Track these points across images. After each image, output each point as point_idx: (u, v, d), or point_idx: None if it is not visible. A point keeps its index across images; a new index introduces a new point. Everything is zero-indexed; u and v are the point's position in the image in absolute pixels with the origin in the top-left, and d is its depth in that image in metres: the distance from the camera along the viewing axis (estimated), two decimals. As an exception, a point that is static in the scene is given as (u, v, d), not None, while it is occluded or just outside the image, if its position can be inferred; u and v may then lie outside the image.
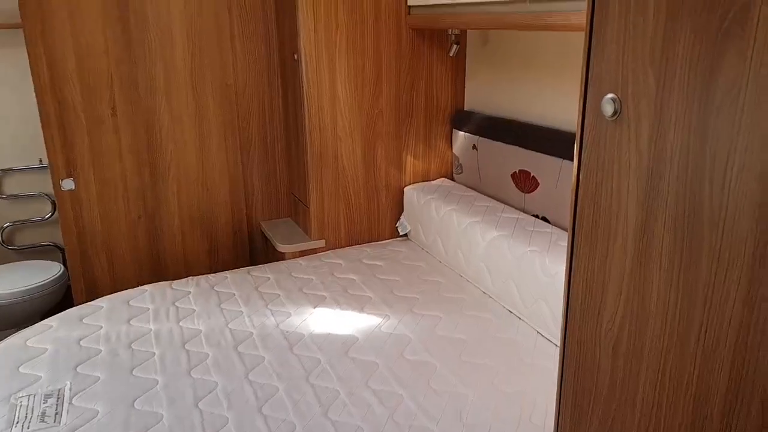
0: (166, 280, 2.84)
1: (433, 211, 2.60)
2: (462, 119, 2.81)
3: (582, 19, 1.65)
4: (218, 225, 2.97)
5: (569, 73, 2.20)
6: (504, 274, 2.13)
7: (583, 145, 1.03)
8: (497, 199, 2.60)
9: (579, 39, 2.14)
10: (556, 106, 2.28)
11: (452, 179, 2.96)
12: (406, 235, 2.89)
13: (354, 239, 2.81)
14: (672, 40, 0.83)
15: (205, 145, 2.84)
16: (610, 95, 0.95)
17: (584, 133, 1.02)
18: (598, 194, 1.01)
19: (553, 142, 2.23)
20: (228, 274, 2.49)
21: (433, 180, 2.94)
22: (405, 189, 2.86)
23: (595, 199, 1.02)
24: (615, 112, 0.95)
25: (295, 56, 2.56)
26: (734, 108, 0.76)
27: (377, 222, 2.86)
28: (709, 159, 0.80)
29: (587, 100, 1.01)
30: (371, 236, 2.85)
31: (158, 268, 2.88)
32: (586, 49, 0.99)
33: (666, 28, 0.84)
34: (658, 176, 0.89)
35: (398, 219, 2.90)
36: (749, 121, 0.74)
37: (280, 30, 2.79)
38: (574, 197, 1.06)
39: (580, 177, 1.05)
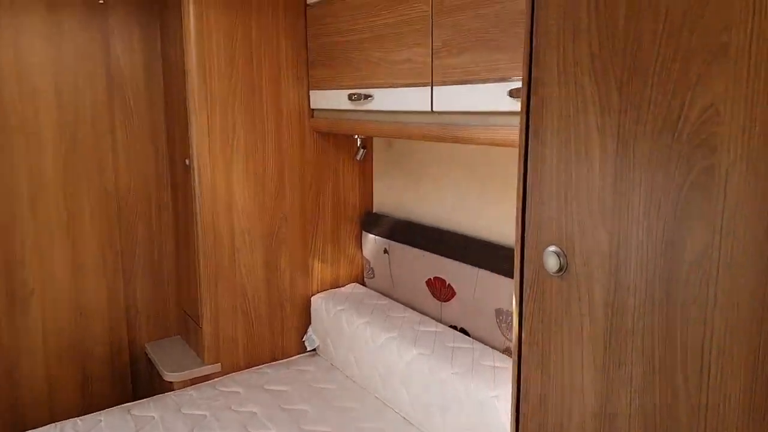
0: (23, 431, 2.35)
1: (344, 323, 2.38)
2: (372, 222, 2.67)
3: (496, 134, 1.58)
4: (93, 352, 2.56)
5: (483, 178, 2.14)
6: (425, 400, 1.93)
7: (524, 302, 0.87)
8: (412, 308, 2.44)
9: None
10: (471, 212, 2.19)
11: (364, 284, 2.77)
12: (314, 350, 2.63)
13: (255, 359, 2.51)
14: (626, 193, 0.71)
15: (79, 260, 2.48)
16: (552, 247, 0.81)
17: (524, 287, 0.87)
18: (546, 362, 0.85)
19: (468, 250, 2.12)
20: (103, 415, 2.10)
21: (344, 286, 2.74)
22: (312, 298, 2.63)
23: (543, 366, 0.86)
24: (560, 268, 0.80)
25: (187, 161, 2.33)
26: (703, 279, 0.63)
27: (282, 337, 2.59)
28: (681, 345, 0.66)
29: (525, 249, 0.87)
30: (275, 353, 2.57)
31: (13, 417, 2.40)
32: (521, 193, 0.85)
33: (618, 178, 0.72)
34: (618, 349, 0.74)
35: (305, 332, 2.65)
36: (723, 299, 0.61)
37: (170, 132, 2.56)
38: (516, 368, 0.90)
39: (523, 337, 0.89)
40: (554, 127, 0.78)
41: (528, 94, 0.81)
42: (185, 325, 2.66)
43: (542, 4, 0.78)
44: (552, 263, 0.80)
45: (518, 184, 0.85)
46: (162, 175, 2.63)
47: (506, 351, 1.99)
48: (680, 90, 0.64)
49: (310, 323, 2.65)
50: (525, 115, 0.82)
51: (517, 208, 0.86)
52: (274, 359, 2.56)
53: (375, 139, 2.69)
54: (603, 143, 0.72)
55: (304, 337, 2.64)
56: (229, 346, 2.43)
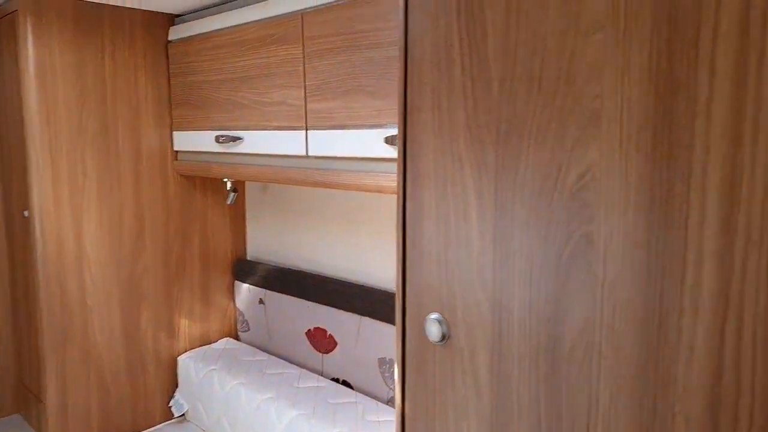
0: None
1: (216, 385, 2.19)
2: (245, 270, 2.52)
3: (372, 180, 1.54)
4: None
5: (363, 222, 2.09)
6: (307, 464, 1.80)
7: (406, 374, 0.81)
8: (292, 362, 2.30)
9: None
10: (351, 257, 2.13)
11: (238, 339, 2.60)
12: (183, 415, 2.40)
13: (113, 431, 2.23)
14: (506, 259, 0.67)
15: None
16: (434, 315, 0.76)
17: (406, 358, 0.81)
18: (430, 438, 0.79)
19: (349, 297, 2.05)
20: None
21: (216, 342, 2.54)
22: (179, 358, 2.41)
23: (428, 444, 0.80)
24: (443, 337, 0.75)
25: (25, 213, 2.05)
26: (587, 349, 0.60)
27: (144, 403, 2.33)
28: (567, 418, 0.63)
29: (406, 316, 0.81)
30: (137, 423, 2.30)
31: None
32: (401, 257, 0.80)
33: (497, 244, 0.68)
34: (505, 422, 0.70)
35: (172, 396, 2.41)
36: (607, 370, 0.59)
37: (6, 180, 2.26)
38: (403, 447, 0.83)
39: (406, 412, 0.82)
40: (432, 189, 0.74)
41: (404, 155, 0.77)
42: (25, 401, 2.31)
43: (416, 59, 0.75)
44: (434, 332, 0.75)
45: (397, 249, 0.79)
46: (-3, 227, 2.30)
47: (390, 402, 1.92)
48: (556, 154, 0.62)
49: (177, 386, 2.41)
50: (402, 177, 0.77)
51: (396, 274, 0.80)
52: (136, 429, 2.29)
53: (248, 183, 2.56)
54: (481, 207, 0.69)
55: (171, 401, 2.40)
56: (79, 421, 2.13)
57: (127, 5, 2.08)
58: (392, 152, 1.47)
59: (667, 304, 0.54)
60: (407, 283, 0.79)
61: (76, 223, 2.06)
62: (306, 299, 2.22)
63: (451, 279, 0.73)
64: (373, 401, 1.93)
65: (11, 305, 2.36)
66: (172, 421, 2.38)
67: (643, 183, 0.56)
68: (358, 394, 1.99)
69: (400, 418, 0.83)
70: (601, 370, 0.60)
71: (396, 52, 1.42)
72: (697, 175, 0.52)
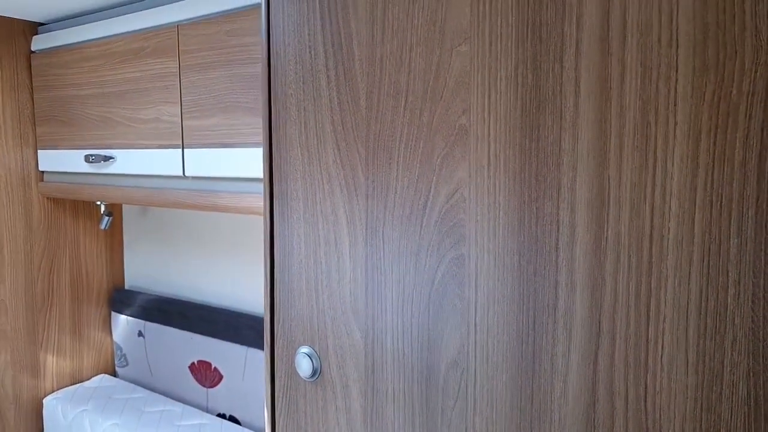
0: None
1: (88, 428, 1.98)
2: (123, 300, 2.32)
3: (257, 203, 1.45)
4: None
5: (249, 248, 1.98)
6: None
7: (276, 412, 0.74)
8: (174, 398, 2.13)
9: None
10: (236, 284, 2.01)
11: (115, 375, 2.37)
12: (50, 463, 2.14)
13: (-37, 491, 1.94)
14: (378, 286, 0.62)
15: None
16: (305, 348, 0.69)
17: (275, 395, 0.74)
18: (305, 486, 0.72)
19: (235, 327, 1.93)
20: None
21: (89, 380, 2.31)
22: (45, 400, 2.16)
23: (302, 492, 0.72)
24: (314, 372, 0.68)
25: None
26: (462, 380, 0.56)
27: (3, 454, 2.06)
28: (449, 453, 0.59)
29: (275, 351, 0.74)
30: (-6, 477, 2.03)
31: None
32: (269, 287, 0.73)
33: (369, 270, 0.63)
34: (382, 464, 0.64)
35: (37, 443, 2.15)
36: (482, 401, 0.55)
37: None
38: (272, 498, 0.75)
39: (278, 457, 0.74)
40: (301, 212, 0.68)
41: (270, 175, 0.70)
42: None
43: (280, 69, 0.69)
44: (305, 367, 0.68)
45: (265, 278, 0.72)
46: None
47: (280, 436, 1.82)
48: (425, 173, 0.58)
49: (42, 431, 2.16)
50: (269, 199, 0.70)
51: (264, 305, 0.73)
52: (-9, 486, 2.02)
53: (125, 206, 2.37)
54: (352, 231, 0.64)
55: (36, 449, 2.14)
56: None
57: (-21, 9, 1.87)
58: (276, 172, 1.39)
59: (540, 330, 0.51)
60: (275, 314, 0.72)
61: None
62: (189, 330, 2.07)
63: (322, 309, 0.67)
64: (263, 436, 1.81)
65: None
66: (35, 473, 2.13)
67: (511, 202, 0.53)
68: (245, 430, 1.86)
69: (273, 463, 0.75)
70: (476, 402, 0.56)
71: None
72: (566, 194, 0.50)
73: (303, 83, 0.67)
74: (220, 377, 1.99)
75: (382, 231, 0.62)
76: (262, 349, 1.85)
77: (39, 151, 2.08)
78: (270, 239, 0.72)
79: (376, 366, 0.63)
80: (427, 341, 0.59)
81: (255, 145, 1.44)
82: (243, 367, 1.92)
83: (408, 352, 0.60)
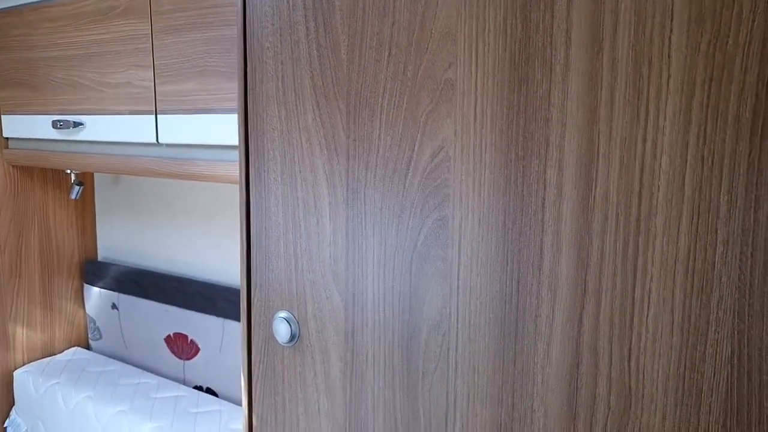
0: None
1: (60, 400, 1.94)
2: (95, 272, 2.27)
3: (233, 171, 1.41)
4: None
5: (226, 218, 1.95)
6: (164, 483, 1.64)
7: (253, 379, 0.72)
8: (150, 371, 2.11)
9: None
10: (213, 256, 1.98)
11: (89, 348, 2.34)
12: (21, 435, 2.11)
13: (-69, 464, 1.91)
14: (359, 249, 0.60)
15: None
16: (282, 313, 0.67)
17: (252, 361, 0.72)
18: (282, 452, 0.70)
19: (212, 299, 1.90)
20: None
21: (61, 353, 2.27)
22: (15, 373, 2.11)
23: (277, 458, 0.71)
24: (292, 337, 0.67)
25: None
26: (443, 343, 0.55)
27: (-27, 427, 2.02)
28: (424, 420, 0.58)
29: (251, 316, 0.72)
30: (-36, 450, 1.99)
31: None
32: (245, 251, 0.70)
33: (349, 232, 0.61)
34: (360, 429, 0.63)
35: (8, 416, 2.11)
36: (464, 364, 0.54)
37: None
38: (248, 463, 0.73)
39: (253, 424, 0.73)
40: (278, 173, 0.65)
41: (246, 133, 0.67)
42: None
43: (255, 20, 0.65)
44: (282, 332, 0.66)
45: (241, 241, 0.70)
46: None
47: (257, 407, 1.81)
48: (409, 131, 0.56)
49: (13, 404, 2.12)
50: (244, 159, 0.68)
51: (241, 269, 0.70)
52: (-39, 459, 1.98)
53: (97, 175, 2.31)
54: (332, 191, 0.62)
55: (6, 422, 2.11)
56: None
57: (-63, -36, 1.78)
58: (253, 139, 1.36)
59: (524, 292, 0.50)
60: (252, 279, 0.70)
61: None
62: (164, 303, 2.04)
63: (301, 273, 0.65)
64: (239, 408, 1.80)
65: None
66: (7, 446, 2.09)
67: (498, 161, 0.51)
68: (222, 401, 1.85)
69: (247, 427, 0.73)
70: (457, 365, 0.55)
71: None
72: (554, 152, 0.48)
73: (280, 36, 0.64)
74: (197, 349, 1.97)
75: (364, 192, 0.60)
76: (238, 320, 1.83)
77: (2, 116, 2.00)
78: (246, 201, 0.69)
79: (356, 330, 0.61)
80: (409, 305, 0.57)
81: (232, 111, 1.40)
82: (220, 339, 1.90)
83: (389, 315, 0.59)
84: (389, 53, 0.57)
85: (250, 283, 0.70)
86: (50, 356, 2.22)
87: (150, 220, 2.15)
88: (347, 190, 0.61)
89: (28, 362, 2.16)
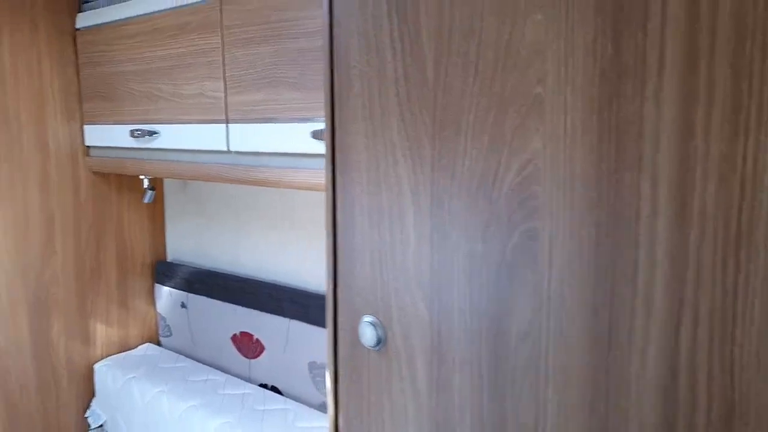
0: None
1: (137, 394, 2.05)
2: (166, 272, 2.38)
3: (299, 177, 1.46)
4: None
5: (291, 220, 2.01)
6: (235, 476, 1.71)
7: (339, 381, 0.75)
8: (217, 368, 2.19)
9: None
10: (279, 258, 2.04)
11: (159, 344, 2.45)
12: (100, 426, 2.23)
13: (21, 450, 2.05)
14: (444, 258, 0.62)
15: None
16: (368, 318, 0.70)
17: (338, 364, 0.75)
18: (368, 452, 0.73)
19: (277, 300, 1.96)
20: None
21: (135, 348, 2.39)
22: (95, 366, 2.24)
23: (364, 458, 0.74)
24: (378, 341, 0.70)
25: None
26: (533, 352, 0.56)
27: (56, 416, 2.15)
28: (512, 424, 0.59)
29: (338, 319, 0.75)
30: (49, 438, 2.13)
31: None
32: (331, 257, 0.74)
33: (434, 242, 0.63)
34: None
35: (88, 407, 2.24)
36: (555, 373, 0.55)
37: None
38: (336, 463, 0.77)
39: (339, 425, 0.76)
40: (363, 184, 0.68)
41: (332, 147, 0.71)
42: None
43: (342, 41, 0.69)
44: (368, 335, 0.69)
45: (327, 249, 0.73)
46: None
47: (321, 407, 1.86)
48: (496, 144, 0.58)
49: (93, 395, 2.25)
50: (331, 170, 0.71)
51: (327, 275, 0.74)
52: (47, 446, 2.12)
53: (167, 180, 2.42)
54: (416, 201, 0.64)
55: (87, 412, 2.23)
56: (-20, 443, 1.94)
57: (26, -15, 1.90)
58: (320, 147, 1.40)
59: (618, 304, 0.51)
60: (338, 284, 0.73)
61: (-29, 226, 1.87)
62: (231, 302, 2.12)
63: (386, 280, 0.68)
64: (304, 407, 1.86)
65: None
66: (88, 435, 2.22)
67: (589, 174, 0.52)
68: (287, 400, 1.91)
69: (333, 428, 0.77)
70: (548, 374, 0.56)
71: (318, 42, 1.36)
72: (648, 166, 0.49)
73: (367, 56, 0.67)
74: (262, 348, 2.03)
75: (449, 203, 0.62)
76: (304, 322, 1.88)
77: (85, 126, 2.12)
78: (332, 210, 0.73)
79: (442, 336, 0.64)
80: (497, 313, 0.59)
81: (299, 120, 1.44)
82: (285, 338, 1.96)
83: (476, 323, 0.61)
84: (476, 71, 0.59)
85: (336, 288, 0.73)
86: (125, 351, 2.34)
87: (216, 222, 2.24)
88: (432, 200, 0.63)
89: (106, 356, 2.29)
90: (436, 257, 0.63)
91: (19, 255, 1.98)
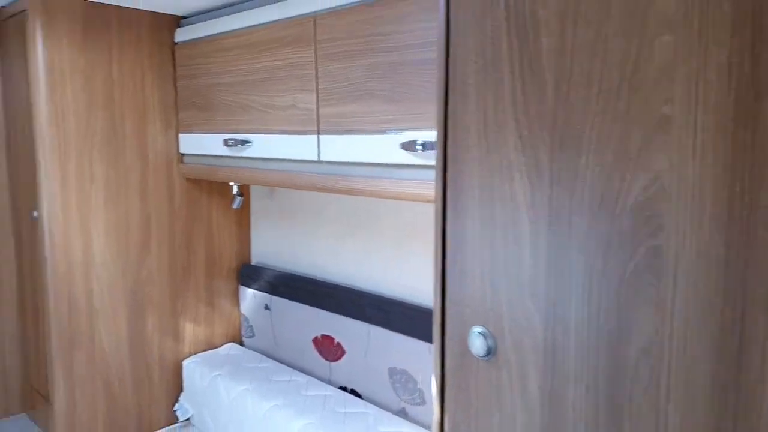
0: None
1: (222, 391, 2.15)
2: (250, 275, 2.48)
3: (388, 187, 1.50)
4: None
5: (372, 229, 2.05)
6: (318, 475, 1.76)
7: (446, 388, 0.78)
8: (298, 369, 2.26)
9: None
10: (360, 265, 2.09)
11: (242, 344, 2.55)
12: (188, 419, 2.35)
13: (118, 437, 2.19)
14: (561, 272, 0.64)
15: None
16: (478, 328, 0.72)
17: (446, 371, 0.78)
18: (475, 458, 0.75)
19: (358, 305, 2.01)
20: None
21: (220, 347, 2.50)
22: (184, 363, 2.36)
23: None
24: (488, 351, 0.71)
25: (34, 214, 2.01)
26: (654, 369, 0.57)
27: (149, 407, 2.29)
28: (636, 439, 0.60)
29: (445, 329, 0.77)
30: (142, 426, 2.26)
31: None
32: (440, 268, 0.76)
33: (550, 256, 0.65)
34: (558, 444, 0.66)
35: (176, 401, 2.36)
36: (678, 391, 0.55)
37: (14, 180, 2.21)
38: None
39: (445, 429, 0.78)
40: (476, 197, 0.71)
41: (444, 161, 0.73)
42: (32, 401, 2.26)
43: (458, 60, 0.71)
44: (478, 345, 0.72)
45: (435, 259, 0.76)
46: (2, 229, 2.25)
47: (400, 412, 1.88)
48: (620, 162, 0.59)
49: (182, 390, 2.37)
50: (441, 183, 0.74)
51: (435, 283, 0.77)
52: (141, 435, 2.25)
53: (253, 187, 2.53)
54: (533, 216, 0.66)
55: (176, 406, 2.36)
56: (86, 423, 2.09)
57: (136, 6, 2.05)
58: (410, 158, 1.43)
59: (749, 324, 0.51)
60: (447, 294, 0.76)
61: (83, 227, 2.02)
62: (313, 306, 2.18)
63: (498, 291, 0.70)
64: (384, 411, 1.89)
65: (18, 307, 2.31)
66: (177, 425, 2.34)
67: (720, 194, 0.52)
68: (367, 404, 1.95)
69: (439, 430, 0.79)
70: (670, 393, 0.57)
71: (414, 55, 1.39)
72: (783, 186, 0.49)
73: (484, 74, 0.69)
74: (343, 352, 2.08)
75: (568, 218, 0.63)
76: (385, 328, 1.92)
77: (180, 135, 2.25)
78: (442, 222, 0.75)
79: (556, 349, 0.65)
80: (616, 328, 0.60)
81: (389, 132, 1.48)
82: (366, 343, 2.00)
83: (593, 337, 0.62)
84: (599, 90, 0.60)
85: (445, 298, 0.76)
86: (210, 350, 2.46)
87: (299, 228, 2.31)
88: (549, 215, 0.65)
89: (193, 354, 2.41)
90: (552, 271, 0.65)
91: (120, 255, 2.13)
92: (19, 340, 2.33)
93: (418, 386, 1.81)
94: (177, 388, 2.36)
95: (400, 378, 1.88)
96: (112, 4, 2.00)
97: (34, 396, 2.23)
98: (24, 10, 1.87)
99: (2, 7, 2.08)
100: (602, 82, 0.60)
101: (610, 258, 0.60)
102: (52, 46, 1.88)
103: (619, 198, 0.59)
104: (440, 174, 0.75)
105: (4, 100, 2.19)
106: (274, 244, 2.45)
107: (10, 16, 2.01)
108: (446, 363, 0.76)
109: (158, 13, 2.14)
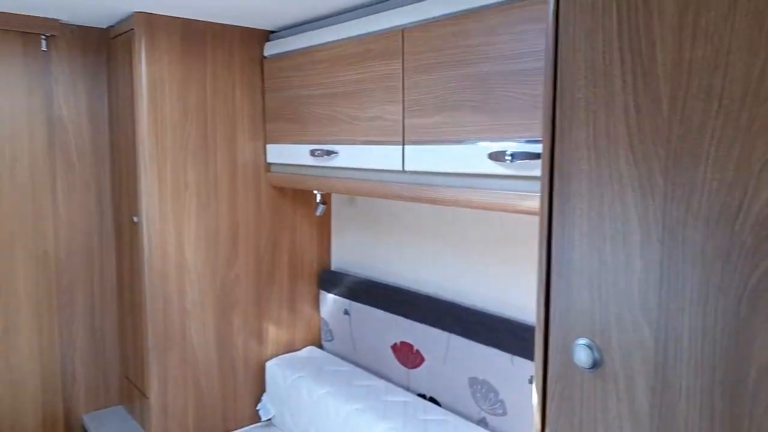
0: None
1: (304, 393, 2.21)
2: (330, 280, 2.54)
3: (474, 197, 1.51)
4: (23, 425, 2.28)
5: (454, 238, 2.07)
6: (398, 480, 1.78)
7: (548, 398, 0.78)
8: (377, 374, 2.30)
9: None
10: (439, 273, 2.11)
11: (321, 347, 2.62)
12: (269, 419, 2.44)
13: (205, 430, 2.29)
14: (674, 287, 0.64)
15: (10, 324, 2.22)
16: (583, 340, 0.73)
17: (548, 382, 0.78)
18: (579, 470, 0.76)
19: (438, 313, 2.03)
20: None
21: (300, 350, 2.58)
22: (267, 364, 2.45)
23: (574, 475, 0.76)
24: (594, 363, 0.72)
25: (135, 219, 2.15)
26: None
27: (233, 405, 2.39)
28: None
29: (549, 340, 0.78)
30: (227, 424, 2.36)
31: None
32: (544, 279, 0.77)
33: (663, 270, 0.65)
34: (669, 459, 0.66)
35: (259, 400, 2.46)
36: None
37: (116, 186, 2.38)
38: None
39: (548, 440, 0.79)
40: (584, 210, 0.72)
41: (551, 171, 0.75)
42: (129, 394, 2.42)
43: (567, 74, 0.73)
44: (584, 357, 0.72)
45: (539, 271, 0.77)
46: (105, 232, 2.43)
47: (481, 422, 1.88)
48: (741, 176, 0.58)
49: (264, 391, 2.46)
50: (548, 194, 0.75)
51: (538, 295, 0.78)
52: (227, 430, 2.35)
53: (335, 195, 2.60)
54: (645, 230, 0.66)
55: (258, 405, 2.45)
56: (178, 418, 2.21)
57: (230, 22, 2.16)
58: (498, 168, 1.44)
59: None
60: (551, 306, 0.76)
61: (178, 232, 2.15)
62: (392, 312, 2.21)
63: (606, 304, 0.70)
64: (464, 420, 1.89)
65: (118, 306, 2.48)
66: (259, 424, 2.43)
67: None
68: (447, 412, 1.96)
69: (534, 445, 0.80)
70: (794, 411, 0.55)
71: (503, 66, 1.41)
72: None
73: (594, 88, 0.70)
74: (422, 359, 2.11)
75: (683, 232, 0.63)
76: (464, 337, 1.92)
77: (267, 145, 2.35)
78: (547, 234, 0.76)
79: (668, 363, 0.65)
80: (735, 345, 0.59)
81: (476, 142, 1.50)
82: (444, 351, 2.01)
83: (708, 352, 0.61)
84: (719, 104, 0.60)
85: (549, 309, 0.77)
86: (291, 352, 2.54)
87: (380, 236, 2.36)
88: (663, 229, 0.65)
89: (274, 355, 2.49)
90: (665, 284, 0.64)
91: (209, 258, 2.24)
92: (119, 338, 2.49)
93: (500, 397, 1.81)
94: (259, 388, 2.45)
95: (481, 388, 1.88)
96: (208, 20, 2.12)
97: (131, 389, 2.38)
98: (131, 29, 2.02)
99: (111, 26, 2.25)
100: (723, 96, 0.59)
101: (727, 272, 0.59)
102: (154, 61, 2.02)
103: (740, 212, 0.58)
104: (546, 185, 0.76)
105: (110, 114, 2.37)
106: (353, 251, 2.51)
107: (118, 35, 2.17)
108: (549, 373, 0.77)
109: (249, 27, 2.25)
